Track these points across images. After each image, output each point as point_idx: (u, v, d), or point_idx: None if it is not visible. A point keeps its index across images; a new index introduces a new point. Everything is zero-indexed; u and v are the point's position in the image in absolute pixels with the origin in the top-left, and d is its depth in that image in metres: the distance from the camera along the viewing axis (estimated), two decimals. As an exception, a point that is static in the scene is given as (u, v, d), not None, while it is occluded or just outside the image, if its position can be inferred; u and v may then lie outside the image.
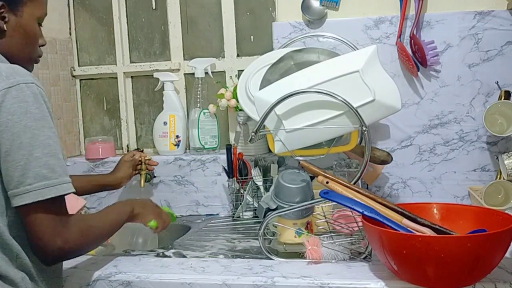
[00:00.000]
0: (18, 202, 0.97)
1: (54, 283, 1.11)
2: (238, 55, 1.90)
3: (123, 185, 1.69)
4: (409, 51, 1.59)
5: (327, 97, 1.23)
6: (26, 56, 1.15)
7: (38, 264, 1.05)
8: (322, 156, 1.33)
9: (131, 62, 2.00)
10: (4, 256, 1.01)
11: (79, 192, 1.49)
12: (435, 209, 1.19)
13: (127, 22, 2.00)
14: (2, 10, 1.08)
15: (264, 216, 1.26)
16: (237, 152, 1.70)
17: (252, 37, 1.89)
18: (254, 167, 1.71)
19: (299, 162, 1.25)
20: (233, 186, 1.70)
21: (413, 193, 1.66)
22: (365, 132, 1.23)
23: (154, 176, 1.83)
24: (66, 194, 1.02)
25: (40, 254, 1.01)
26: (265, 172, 1.71)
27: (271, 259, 1.25)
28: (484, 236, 0.99)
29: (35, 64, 1.22)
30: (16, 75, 1.00)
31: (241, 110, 1.63)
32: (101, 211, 1.19)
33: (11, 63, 1.09)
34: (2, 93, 0.97)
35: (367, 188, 1.60)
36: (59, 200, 1.01)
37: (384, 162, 1.52)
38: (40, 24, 1.17)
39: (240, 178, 1.70)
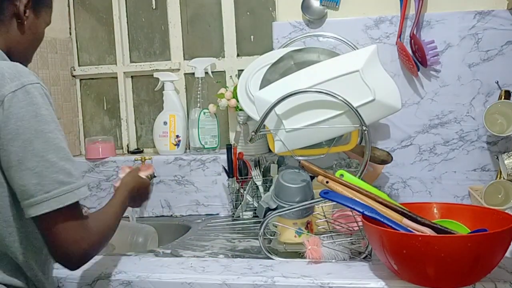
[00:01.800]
0: (36, 211, 0.92)
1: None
2: (238, 55, 1.90)
3: None
4: (409, 51, 1.59)
5: (327, 97, 1.23)
6: (27, 56, 1.16)
7: (41, 270, 1.05)
8: (322, 156, 1.33)
9: (131, 62, 2.00)
10: (9, 265, 1.01)
11: None
12: (435, 209, 1.20)
13: (127, 22, 2.00)
14: (27, 6, 1.09)
15: (264, 216, 1.26)
16: (237, 152, 1.70)
17: (252, 37, 1.89)
18: (254, 167, 1.71)
19: (299, 162, 1.25)
20: (233, 186, 1.70)
21: (413, 193, 1.66)
22: (365, 132, 1.23)
23: (154, 176, 1.83)
24: (84, 198, 0.98)
25: (65, 261, 0.98)
26: (265, 172, 1.71)
27: (271, 258, 1.25)
28: (485, 235, 0.99)
29: (34, 64, 1.22)
30: (20, 76, 0.95)
31: (241, 110, 1.63)
32: (106, 206, 1.14)
33: (11, 59, 1.06)
34: (8, 98, 0.92)
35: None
36: (77, 205, 0.97)
37: (384, 162, 1.52)
38: None
39: (240, 178, 1.70)
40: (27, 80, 0.95)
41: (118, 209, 1.14)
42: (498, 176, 1.55)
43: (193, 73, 1.85)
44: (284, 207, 1.24)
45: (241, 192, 1.71)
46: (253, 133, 1.29)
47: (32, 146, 0.92)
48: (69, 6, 2.01)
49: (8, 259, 1.00)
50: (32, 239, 1.01)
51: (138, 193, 1.28)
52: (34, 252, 1.02)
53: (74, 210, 0.96)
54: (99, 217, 1.07)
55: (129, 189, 1.23)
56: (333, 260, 1.20)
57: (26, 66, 1.05)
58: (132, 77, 2.02)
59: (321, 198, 1.15)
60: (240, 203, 1.71)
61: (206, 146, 1.83)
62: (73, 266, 0.99)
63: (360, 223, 1.22)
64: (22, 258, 1.00)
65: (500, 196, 1.51)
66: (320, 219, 1.29)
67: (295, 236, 1.26)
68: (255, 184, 1.70)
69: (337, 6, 1.67)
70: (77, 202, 0.96)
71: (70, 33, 2.02)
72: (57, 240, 0.95)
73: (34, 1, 1.11)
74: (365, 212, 1.07)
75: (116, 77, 2.00)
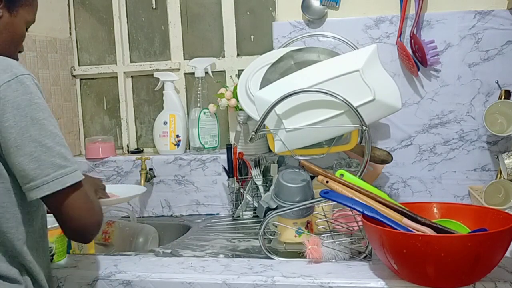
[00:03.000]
0: (37, 195, 0.97)
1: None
2: (238, 55, 1.90)
3: None
4: (409, 51, 1.59)
5: (328, 97, 1.23)
6: (10, 53, 1.13)
7: (37, 262, 1.06)
8: (322, 156, 1.33)
9: (131, 61, 2.00)
10: (6, 256, 1.02)
11: None
12: (435, 209, 1.20)
13: (127, 22, 2.00)
14: None
15: (264, 216, 1.26)
16: (237, 152, 1.70)
17: (252, 36, 1.89)
18: (254, 167, 1.71)
19: (299, 162, 1.25)
20: (233, 186, 1.70)
21: (413, 193, 1.66)
22: (365, 132, 1.23)
23: (154, 176, 1.83)
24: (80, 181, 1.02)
25: (77, 236, 1.05)
26: (265, 171, 1.71)
27: (271, 258, 1.25)
28: (485, 235, 0.99)
29: (34, 64, 1.21)
30: (12, 68, 0.99)
31: (241, 109, 1.63)
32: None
33: None
34: (3, 87, 0.96)
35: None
36: (80, 184, 1.01)
37: (384, 162, 1.52)
38: (26, 29, 1.17)
39: (240, 177, 1.70)
40: (19, 71, 0.99)
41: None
42: (498, 176, 1.55)
43: (193, 73, 1.85)
44: (284, 206, 1.24)
45: (241, 192, 1.71)
46: (253, 133, 1.29)
47: (28, 132, 0.96)
48: (69, 6, 2.01)
49: (5, 247, 1.01)
50: (27, 225, 1.03)
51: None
52: (29, 239, 1.04)
53: (77, 190, 1.00)
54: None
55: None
56: (333, 260, 1.20)
57: None
58: (132, 77, 2.02)
59: (321, 198, 1.15)
60: (240, 203, 1.71)
61: (206, 146, 1.83)
62: (85, 240, 1.06)
63: (360, 223, 1.22)
64: (19, 244, 1.02)
65: (500, 196, 1.51)
66: (320, 218, 1.29)
67: (295, 236, 1.26)
68: (255, 184, 1.70)
69: (337, 6, 1.67)
70: (80, 182, 1.00)
71: (70, 33, 2.02)
72: (68, 218, 1.00)
73: (8, 0, 1.09)
74: (365, 212, 1.07)
75: (116, 77, 2.00)
